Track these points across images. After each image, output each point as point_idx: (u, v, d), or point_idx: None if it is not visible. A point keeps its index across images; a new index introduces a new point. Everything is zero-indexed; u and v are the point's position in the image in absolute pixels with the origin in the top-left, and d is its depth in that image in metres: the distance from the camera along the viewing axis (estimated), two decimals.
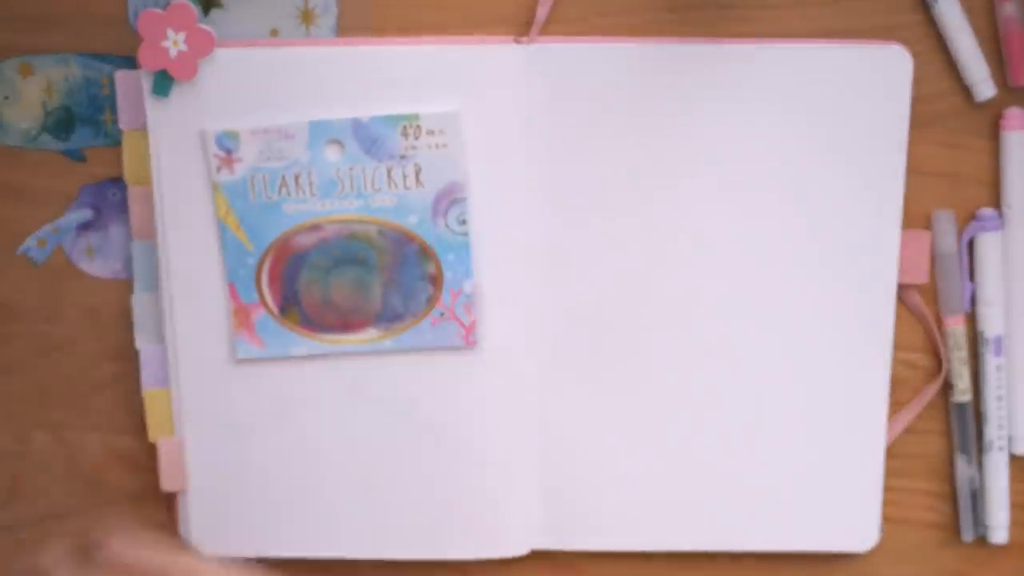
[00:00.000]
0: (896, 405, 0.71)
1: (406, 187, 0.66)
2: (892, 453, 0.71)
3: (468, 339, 0.68)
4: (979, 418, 0.71)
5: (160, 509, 0.72)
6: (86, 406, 0.72)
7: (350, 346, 0.68)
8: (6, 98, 0.68)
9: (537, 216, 0.67)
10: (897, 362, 0.70)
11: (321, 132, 0.66)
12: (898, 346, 0.70)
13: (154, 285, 0.68)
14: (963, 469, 0.72)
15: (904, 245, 0.69)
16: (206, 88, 0.65)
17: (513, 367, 0.69)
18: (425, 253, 0.67)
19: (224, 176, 0.66)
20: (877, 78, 0.66)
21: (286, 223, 0.67)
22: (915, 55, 0.66)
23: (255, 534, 0.71)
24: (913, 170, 0.68)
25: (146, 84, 0.65)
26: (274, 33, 0.67)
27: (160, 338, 0.69)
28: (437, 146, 0.66)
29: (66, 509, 0.73)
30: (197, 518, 0.70)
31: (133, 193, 0.68)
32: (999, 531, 0.72)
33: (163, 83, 0.65)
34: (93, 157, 0.69)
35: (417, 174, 0.66)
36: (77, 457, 0.72)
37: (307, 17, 0.67)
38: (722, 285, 0.69)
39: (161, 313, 0.68)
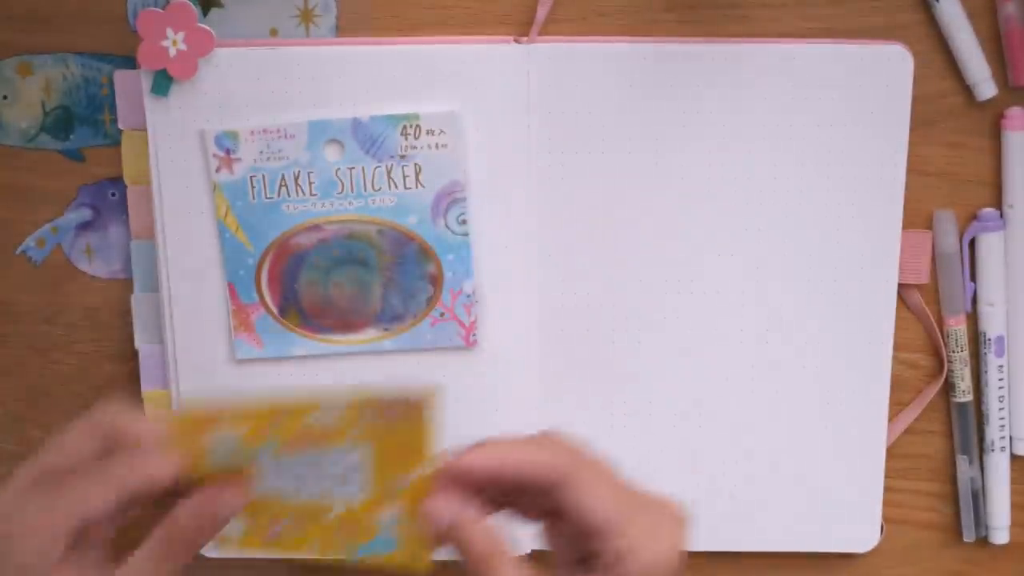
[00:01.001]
0: (897, 405, 0.71)
1: (406, 187, 0.66)
2: (893, 453, 0.71)
3: (468, 339, 0.68)
4: (980, 418, 0.71)
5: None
6: (86, 406, 0.71)
7: (350, 346, 0.68)
8: (5, 98, 0.68)
9: (537, 216, 0.67)
10: (898, 362, 0.70)
11: (321, 132, 0.65)
12: (899, 346, 0.70)
13: (154, 285, 0.68)
14: (964, 469, 0.72)
15: (905, 245, 0.68)
16: (206, 88, 0.65)
17: (513, 367, 0.69)
18: (425, 253, 0.67)
19: (223, 176, 0.66)
20: (878, 78, 0.66)
21: (286, 223, 0.67)
22: (916, 55, 0.66)
23: None
24: (914, 170, 0.68)
25: (145, 84, 0.65)
26: (274, 33, 0.67)
27: (160, 338, 0.69)
28: (437, 146, 0.66)
29: None
30: None
31: (132, 193, 0.68)
32: (1000, 532, 0.72)
33: (162, 83, 0.65)
34: (92, 157, 0.69)
35: (417, 174, 0.66)
36: None
37: (307, 17, 0.67)
38: (723, 285, 0.68)
39: (161, 313, 0.68)
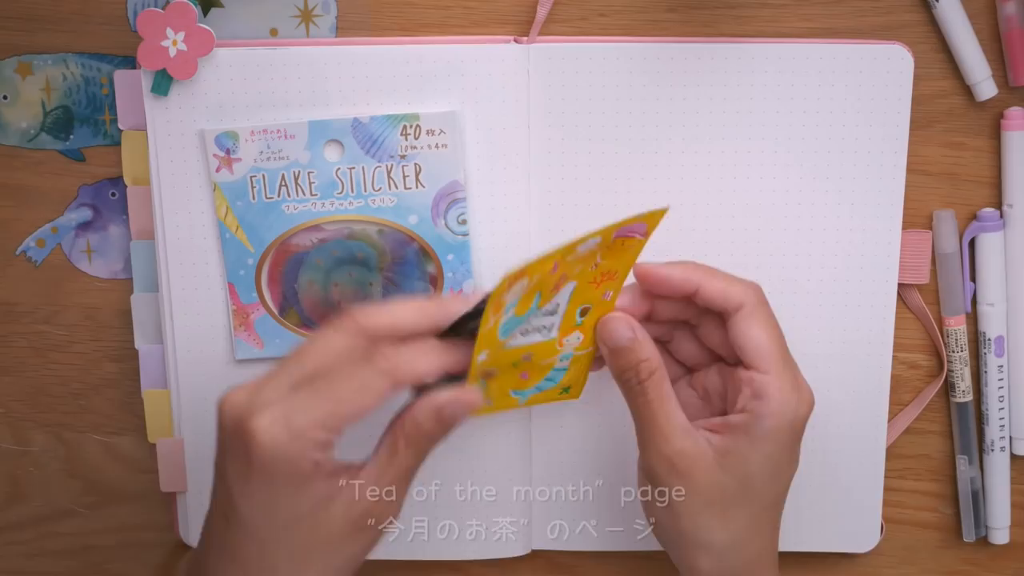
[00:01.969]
0: (897, 405, 0.71)
1: (406, 187, 0.66)
2: (893, 454, 0.71)
3: None
4: (980, 418, 0.71)
5: (160, 509, 0.72)
6: (86, 406, 0.72)
7: None
8: (5, 98, 0.68)
9: (537, 216, 0.67)
10: (898, 362, 0.70)
11: (321, 132, 0.65)
12: (899, 346, 0.70)
13: (154, 285, 0.68)
14: (964, 470, 0.71)
15: (905, 245, 0.68)
16: (206, 88, 0.65)
17: None
18: (425, 253, 0.67)
19: (223, 176, 0.66)
20: (878, 78, 0.66)
21: (286, 223, 0.67)
22: (916, 55, 0.66)
23: None
24: (914, 170, 0.68)
25: (145, 84, 0.65)
26: (273, 33, 0.67)
27: (160, 338, 0.69)
28: (437, 146, 0.66)
29: (66, 509, 0.73)
30: (197, 518, 0.70)
31: (132, 193, 0.68)
32: (1000, 532, 0.72)
33: (162, 83, 0.65)
34: (92, 157, 0.69)
35: (417, 174, 0.66)
36: (77, 457, 0.72)
37: (306, 17, 0.67)
38: None
39: (160, 313, 0.68)
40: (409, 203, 0.66)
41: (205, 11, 0.66)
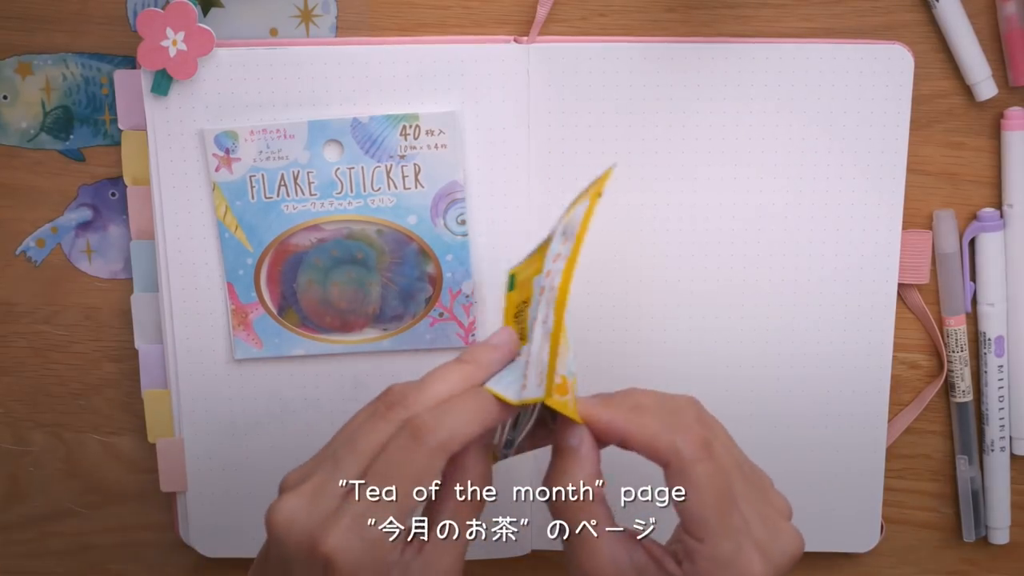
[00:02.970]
0: (897, 405, 0.71)
1: (405, 187, 0.66)
2: (893, 454, 0.71)
3: (467, 339, 0.68)
4: (980, 418, 0.71)
5: (160, 509, 0.72)
6: (86, 406, 0.72)
7: (349, 346, 0.68)
8: (5, 98, 0.68)
9: (537, 216, 0.67)
10: (898, 362, 0.70)
11: (320, 132, 0.65)
12: (899, 346, 0.70)
13: (153, 285, 0.68)
14: (964, 470, 0.71)
15: (905, 245, 0.68)
16: (205, 87, 0.65)
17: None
18: (424, 253, 0.67)
19: (223, 176, 0.66)
20: (878, 78, 0.66)
21: (285, 223, 0.67)
22: (916, 55, 0.66)
23: (254, 534, 0.71)
24: (914, 170, 0.68)
25: (145, 84, 0.65)
26: (273, 33, 0.67)
27: (160, 338, 0.69)
28: (436, 146, 0.66)
29: (66, 509, 0.73)
30: (197, 518, 0.70)
31: (132, 193, 0.68)
32: (1000, 532, 0.72)
33: (162, 82, 0.65)
34: (92, 157, 0.69)
35: (416, 174, 0.66)
36: (77, 457, 0.72)
37: (306, 17, 0.67)
38: (723, 284, 0.68)
39: (160, 313, 0.68)
40: (408, 203, 0.66)
41: (205, 11, 0.66)
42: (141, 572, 0.73)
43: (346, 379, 0.69)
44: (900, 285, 0.69)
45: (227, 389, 0.69)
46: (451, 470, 0.53)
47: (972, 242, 0.69)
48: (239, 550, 0.70)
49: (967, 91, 0.68)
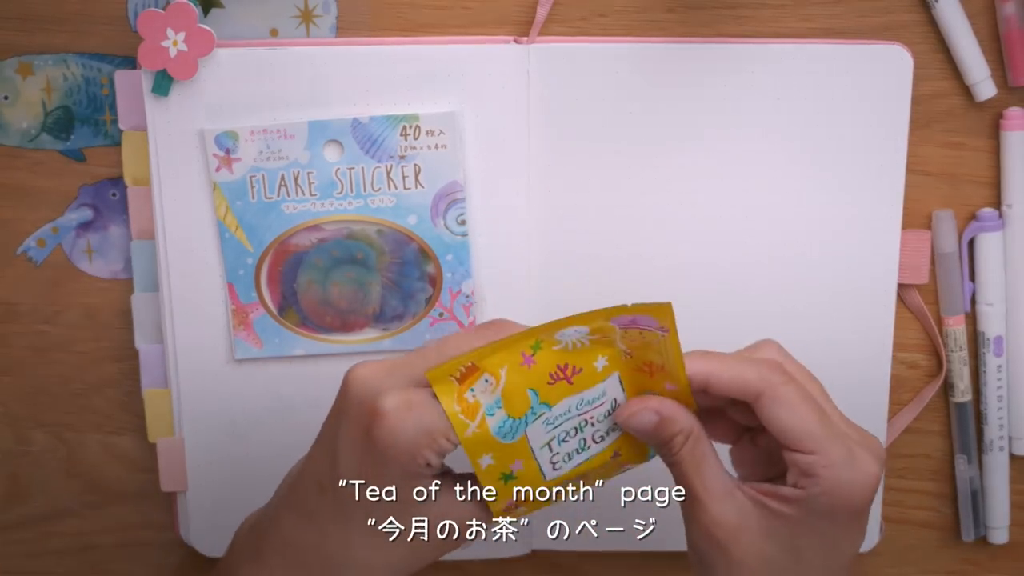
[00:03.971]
0: (896, 405, 0.71)
1: (405, 187, 0.66)
2: (892, 453, 0.71)
3: None
4: (979, 418, 0.71)
5: (160, 509, 0.72)
6: (86, 406, 0.72)
7: (349, 346, 0.68)
8: (5, 98, 0.68)
9: (537, 216, 0.67)
10: (897, 362, 0.70)
11: (320, 132, 0.66)
12: (898, 346, 0.70)
13: (154, 285, 0.68)
14: (963, 469, 0.72)
15: (904, 245, 0.68)
16: (206, 88, 0.65)
17: None
18: (424, 253, 0.67)
19: (223, 176, 0.66)
20: (877, 78, 0.66)
21: (285, 223, 0.67)
22: (915, 55, 0.66)
23: None
24: (913, 170, 0.68)
25: (146, 84, 0.65)
26: (274, 33, 0.67)
27: (160, 338, 0.69)
28: (436, 146, 0.66)
29: (66, 509, 0.73)
30: (197, 518, 0.70)
31: (133, 193, 0.68)
32: (999, 531, 0.72)
33: (163, 83, 0.65)
34: (93, 157, 0.69)
35: (416, 174, 0.66)
36: (77, 457, 0.72)
37: (307, 17, 0.67)
38: (723, 284, 0.68)
39: (161, 313, 0.68)
40: (408, 203, 0.66)
41: (205, 11, 0.66)
42: (141, 572, 0.73)
43: None
44: (899, 285, 0.69)
45: (227, 389, 0.69)
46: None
47: (971, 242, 0.70)
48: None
49: (966, 91, 0.68)
